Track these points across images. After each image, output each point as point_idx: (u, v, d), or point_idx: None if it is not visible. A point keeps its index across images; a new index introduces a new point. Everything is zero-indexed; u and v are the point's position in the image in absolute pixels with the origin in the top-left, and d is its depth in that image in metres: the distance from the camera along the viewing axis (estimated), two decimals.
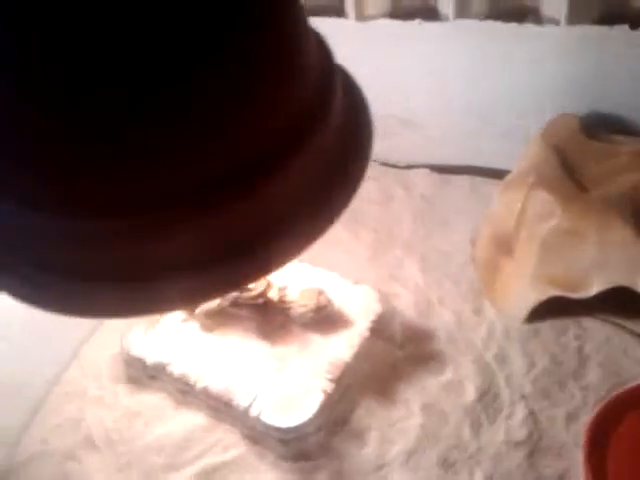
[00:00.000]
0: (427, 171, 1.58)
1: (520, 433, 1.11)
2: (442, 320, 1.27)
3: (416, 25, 1.36)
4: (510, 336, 1.24)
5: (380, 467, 1.07)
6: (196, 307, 1.13)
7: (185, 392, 1.11)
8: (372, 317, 1.12)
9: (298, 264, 1.21)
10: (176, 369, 1.10)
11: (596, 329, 1.23)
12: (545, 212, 1.20)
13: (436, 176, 1.57)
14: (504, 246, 1.29)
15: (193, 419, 1.12)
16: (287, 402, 1.04)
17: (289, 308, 1.11)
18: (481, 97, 1.46)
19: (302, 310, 1.10)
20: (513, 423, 1.13)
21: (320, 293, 1.11)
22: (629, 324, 1.23)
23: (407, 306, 1.29)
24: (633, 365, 1.18)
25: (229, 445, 1.09)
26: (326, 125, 0.70)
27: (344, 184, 0.76)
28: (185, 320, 1.16)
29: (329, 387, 1.05)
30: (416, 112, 1.53)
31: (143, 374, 1.15)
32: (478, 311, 1.29)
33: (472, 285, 1.33)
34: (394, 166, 1.60)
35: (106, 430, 1.14)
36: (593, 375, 1.18)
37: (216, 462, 1.08)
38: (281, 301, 1.10)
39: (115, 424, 1.14)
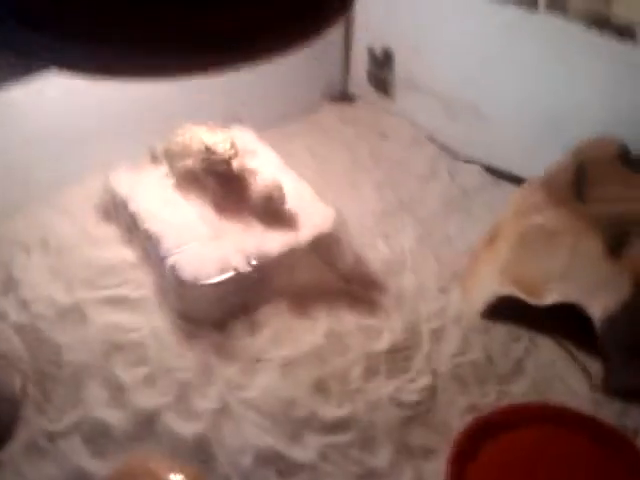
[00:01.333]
0: (479, 169, 1.54)
1: (410, 397, 1.07)
2: (402, 282, 1.25)
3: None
4: (459, 322, 1.20)
5: (257, 360, 1.08)
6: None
7: (132, 230, 1.18)
8: (316, 232, 1.13)
9: (286, 170, 1.25)
10: (133, 206, 1.18)
11: (546, 349, 1.16)
12: (534, 209, 1.15)
13: (487, 177, 1.53)
14: (492, 238, 1.25)
15: (127, 255, 1.20)
16: (200, 264, 1.08)
17: (246, 190, 1.15)
18: (553, 104, 1.41)
19: (254, 195, 1.14)
20: (409, 387, 1.09)
21: (276, 187, 1.14)
22: (578, 354, 1.14)
23: (378, 257, 1.28)
24: (562, 392, 1.10)
25: (141, 285, 1.15)
26: None
27: None
28: (166, 175, 1.24)
29: (243, 268, 1.08)
30: (487, 103, 1.50)
31: (112, 205, 1.24)
32: (443, 291, 1.25)
33: (454, 271, 1.29)
34: (453, 154, 1.57)
35: (60, 239, 1.25)
36: (519, 386, 1.11)
37: (124, 295, 1.14)
38: (239, 173, 1.14)
39: (69, 239, 1.25)
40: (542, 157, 1.43)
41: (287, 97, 1.66)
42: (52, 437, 1.00)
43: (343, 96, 1.78)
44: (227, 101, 1.42)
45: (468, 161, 1.56)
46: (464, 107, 1.55)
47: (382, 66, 1.68)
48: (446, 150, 1.59)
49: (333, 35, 1.71)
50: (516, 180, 1.48)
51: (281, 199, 1.14)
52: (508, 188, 1.48)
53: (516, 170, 1.50)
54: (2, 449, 0.98)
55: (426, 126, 1.63)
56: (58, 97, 1.28)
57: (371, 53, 1.70)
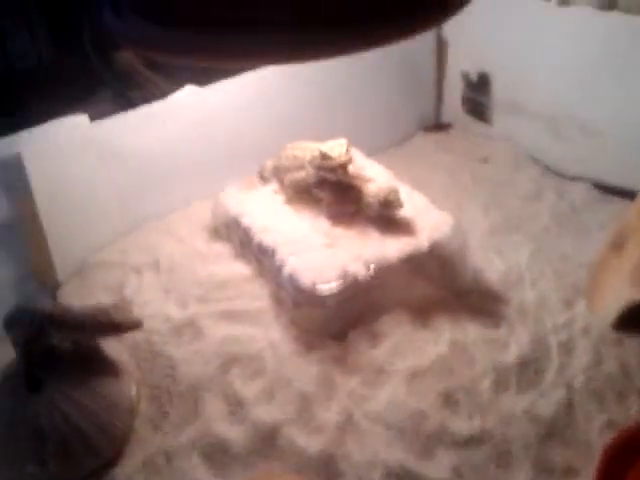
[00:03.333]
0: (588, 186, 1.48)
1: (545, 412, 1.00)
2: (522, 294, 1.19)
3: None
4: (589, 334, 1.12)
5: (379, 372, 1.03)
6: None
7: (245, 244, 1.17)
8: (435, 237, 1.09)
9: (397, 182, 1.22)
10: (246, 221, 1.17)
11: None
12: None
13: (596, 193, 1.47)
14: (618, 245, 1.18)
15: (240, 269, 1.18)
16: (318, 272, 1.05)
17: (362, 198, 1.13)
18: None
19: (371, 200, 1.11)
20: (543, 402, 1.02)
21: (392, 191, 1.11)
22: None
23: (495, 271, 1.22)
24: None
25: (257, 298, 1.13)
26: None
27: None
28: (277, 191, 1.22)
29: (362, 275, 1.04)
30: (592, 117, 1.45)
31: (223, 223, 1.23)
32: (568, 304, 1.18)
33: (575, 285, 1.22)
34: (559, 174, 1.52)
35: (172, 260, 1.24)
36: None
37: (239, 308, 1.12)
38: (353, 180, 1.12)
39: (180, 258, 1.24)
40: None
41: (381, 130, 1.64)
42: (170, 454, 0.97)
43: (438, 125, 1.76)
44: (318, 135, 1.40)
45: (575, 179, 1.50)
46: (569, 124, 1.50)
47: (478, 91, 1.66)
48: (551, 170, 1.54)
49: (425, 64, 1.70)
50: (628, 194, 1.40)
51: (398, 202, 1.10)
52: (620, 203, 1.42)
53: (627, 184, 1.43)
54: (119, 464, 0.95)
55: (528, 148, 1.59)
56: (159, 127, 1.29)
57: (466, 79, 1.67)
